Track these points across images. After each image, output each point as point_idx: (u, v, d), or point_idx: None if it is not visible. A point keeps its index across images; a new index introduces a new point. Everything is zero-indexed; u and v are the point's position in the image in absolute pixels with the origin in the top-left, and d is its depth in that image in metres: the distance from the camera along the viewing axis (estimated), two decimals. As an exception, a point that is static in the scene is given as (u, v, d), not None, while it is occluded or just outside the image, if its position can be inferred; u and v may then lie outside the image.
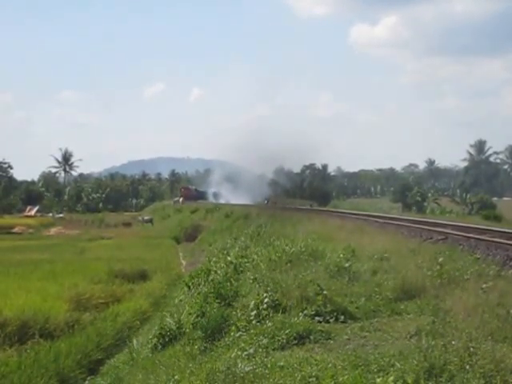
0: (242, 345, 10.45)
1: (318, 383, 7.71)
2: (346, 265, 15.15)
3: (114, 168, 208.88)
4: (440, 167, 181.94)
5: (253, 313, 12.18)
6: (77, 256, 40.87)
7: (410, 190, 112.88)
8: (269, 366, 8.67)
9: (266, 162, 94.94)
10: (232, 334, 11.95)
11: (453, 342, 8.04)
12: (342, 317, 11.22)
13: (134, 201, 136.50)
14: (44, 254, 40.48)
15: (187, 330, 15.19)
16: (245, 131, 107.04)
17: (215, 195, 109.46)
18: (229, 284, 16.82)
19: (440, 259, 14.60)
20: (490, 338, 8.57)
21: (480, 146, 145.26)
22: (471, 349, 7.70)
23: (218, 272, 20.11)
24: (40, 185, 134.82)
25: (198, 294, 18.50)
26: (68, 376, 17.83)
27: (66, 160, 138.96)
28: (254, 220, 42.24)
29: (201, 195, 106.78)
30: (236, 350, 10.27)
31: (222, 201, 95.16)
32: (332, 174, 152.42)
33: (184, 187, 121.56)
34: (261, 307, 12.19)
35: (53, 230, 72.23)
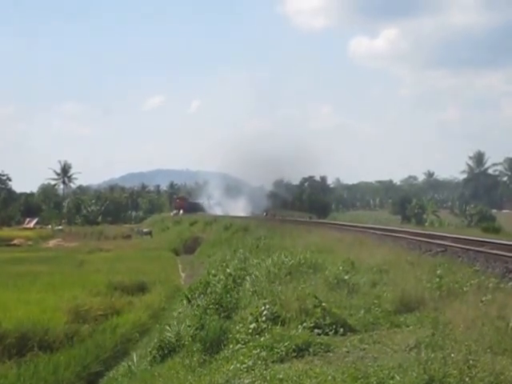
0: (241, 357, 10.44)
1: (317, 396, 7.71)
2: (346, 277, 15.15)
3: (113, 180, 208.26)
4: (439, 179, 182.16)
5: (252, 325, 12.16)
6: (76, 268, 40.85)
7: (409, 202, 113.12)
8: (268, 378, 8.66)
9: (265, 173, 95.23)
10: (231, 346, 11.93)
11: (452, 355, 8.04)
12: (342, 329, 11.21)
13: (133, 213, 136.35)
14: (43, 266, 40.42)
15: (186, 343, 15.16)
16: (244, 143, 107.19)
17: (210, 206, 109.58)
18: (228, 296, 16.81)
19: (439, 271, 14.63)
20: (489, 350, 8.57)
21: (479, 157, 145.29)
22: (471, 361, 7.71)
23: (217, 284, 20.08)
24: (39, 197, 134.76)
25: (197, 306, 18.47)
26: (67, 388, 17.81)
27: (65, 172, 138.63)
28: (254, 232, 42.24)
29: (194, 207, 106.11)
30: (235, 362, 10.26)
31: (219, 212, 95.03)
32: (331, 186, 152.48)
33: (179, 198, 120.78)
34: (260, 319, 12.18)
35: (52, 242, 72.26)
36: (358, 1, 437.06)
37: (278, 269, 18.29)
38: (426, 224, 78.34)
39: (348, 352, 9.81)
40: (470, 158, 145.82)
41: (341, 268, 16.34)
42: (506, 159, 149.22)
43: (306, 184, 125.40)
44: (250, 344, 11.12)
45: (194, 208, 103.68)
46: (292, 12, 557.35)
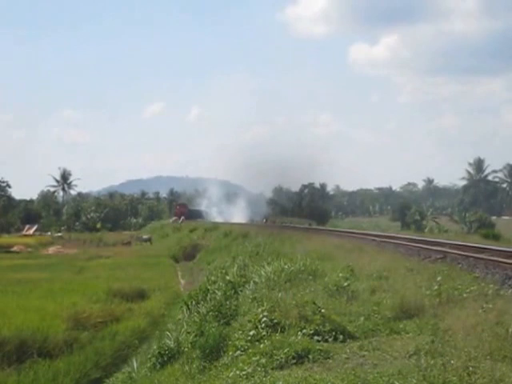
0: (241, 364, 10.44)
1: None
2: (345, 284, 15.15)
3: (112, 187, 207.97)
4: (439, 186, 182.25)
5: (251, 332, 12.15)
6: (75, 275, 40.82)
7: (408, 208, 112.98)
8: (267, 385, 8.66)
9: (264, 180, 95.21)
10: (230, 353, 11.92)
11: (452, 362, 8.04)
12: (341, 336, 11.20)
13: (133, 220, 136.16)
14: (42, 273, 40.41)
15: (186, 350, 15.17)
16: (244, 150, 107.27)
17: (207, 206, 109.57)
18: (227, 303, 16.81)
19: (439, 278, 14.61)
20: (489, 357, 8.56)
21: (479, 164, 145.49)
22: (470, 368, 7.71)
23: (217, 291, 20.09)
24: (38, 204, 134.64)
25: (197, 313, 18.48)
26: (66, 395, 17.79)
27: (65, 179, 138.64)
28: (253, 239, 42.22)
29: (195, 214, 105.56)
30: (234, 369, 10.26)
31: (215, 214, 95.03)
32: (331, 193, 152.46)
33: (179, 204, 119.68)
34: (259, 326, 12.16)
35: (51, 249, 72.06)
36: (358, 8, 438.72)
37: (278, 276, 18.29)
38: (426, 231, 78.24)
39: (347, 359, 9.81)
40: (470, 164, 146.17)
41: (340, 275, 16.33)
42: (505, 166, 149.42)
43: (306, 191, 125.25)
44: (250, 351, 11.12)
45: (194, 215, 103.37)
46: (292, 19, 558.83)
